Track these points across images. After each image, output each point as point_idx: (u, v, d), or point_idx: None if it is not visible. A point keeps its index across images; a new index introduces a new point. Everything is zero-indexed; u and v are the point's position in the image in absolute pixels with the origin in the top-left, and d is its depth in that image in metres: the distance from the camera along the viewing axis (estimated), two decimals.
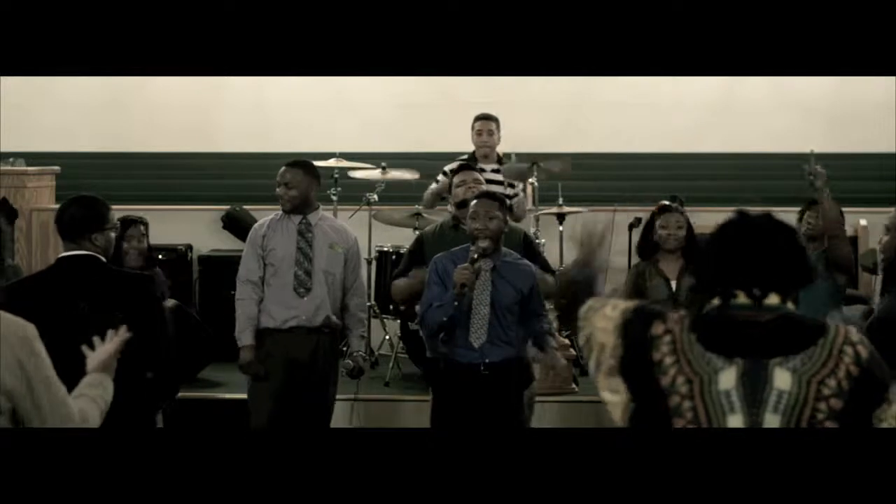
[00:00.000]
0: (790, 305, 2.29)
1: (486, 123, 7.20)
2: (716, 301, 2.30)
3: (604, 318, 2.40)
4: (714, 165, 8.69)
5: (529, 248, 5.30)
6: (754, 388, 2.19)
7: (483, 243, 4.59)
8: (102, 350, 2.97)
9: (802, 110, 8.63)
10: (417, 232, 7.13)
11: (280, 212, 5.29)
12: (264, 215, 5.41)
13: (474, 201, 4.78)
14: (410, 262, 5.26)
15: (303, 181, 5.22)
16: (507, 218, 4.87)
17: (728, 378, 2.20)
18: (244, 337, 5.15)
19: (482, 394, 4.67)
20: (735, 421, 2.19)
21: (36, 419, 2.65)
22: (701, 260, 2.39)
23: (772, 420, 2.18)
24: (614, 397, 2.34)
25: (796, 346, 2.21)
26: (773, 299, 2.27)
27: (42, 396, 2.65)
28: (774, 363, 2.20)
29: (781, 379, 2.19)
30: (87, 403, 2.82)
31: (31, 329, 2.68)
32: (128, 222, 5.38)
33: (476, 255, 4.57)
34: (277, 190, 5.24)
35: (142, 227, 5.47)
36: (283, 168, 5.29)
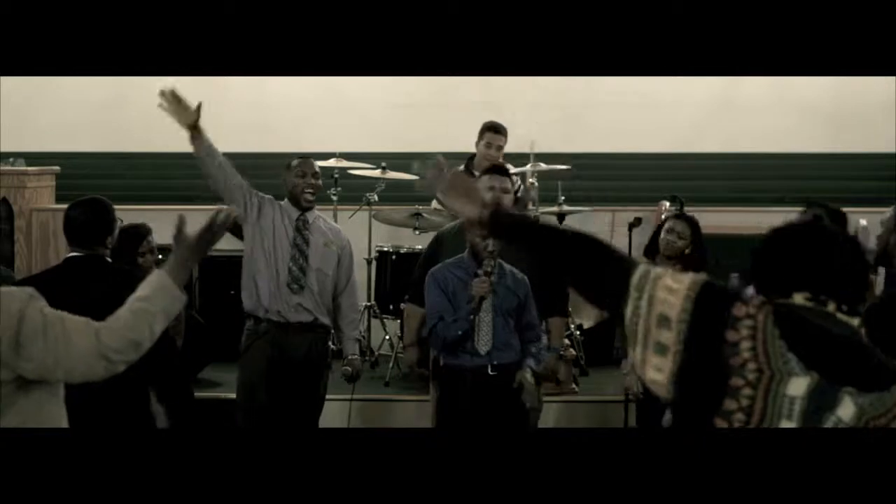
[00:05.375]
0: (857, 321, 2.27)
1: (497, 137, 6.97)
2: (799, 300, 2.24)
3: (667, 289, 2.27)
4: (714, 165, 8.69)
5: None
6: (819, 407, 2.15)
7: (492, 263, 4.67)
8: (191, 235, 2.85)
9: (802, 110, 8.63)
10: (417, 232, 7.15)
11: (282, 203, 5.30)
12: None
13: None
14: (428, 262, 5.23)
15: (319, 175, 5.31)
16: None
17: (799, 386, 2.15)
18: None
19: (489, 394, 4.69)
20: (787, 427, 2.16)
21: (55, 370, 2.67)
22: (790, 256, 2.29)
23: None
24: (659, 376, 2.25)
25: (872, 385, 2.16)
26: (853, 315, 2.25)
27: (44, 349, 2.66)
28: (846, 391, 2.15)
29: (846, 409, 2.15)
30: (121, 315, 2.77)
31: (21, 294, 2.71)
32: (140, 234, 5.28)
33: (489, 269, 4.65)
34: (300, 181, 5.22)
35: (150, 238, 5.41)
36: (304, 159, 5.29)
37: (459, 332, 4.68)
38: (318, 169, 5.30)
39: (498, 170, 5.37)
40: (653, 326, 2.27)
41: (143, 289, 2.82)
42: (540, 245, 2.47)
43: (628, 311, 2.31)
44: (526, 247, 2.52)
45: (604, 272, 2.37)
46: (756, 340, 2.18)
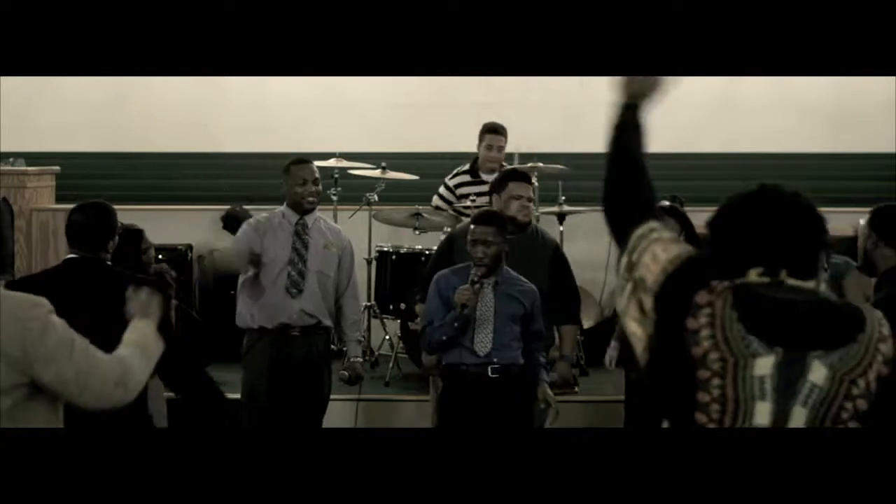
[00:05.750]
0: (822, 285, 2.25)
1: (496, 139, 6.96)
2: (753, 276, 2.22)
3: (653, 257, 2.29)
4: (714, 165, 8.69)
5: (559, 262, 5.30)
6: (789, 379, 2.16)
7: (481, 271, 4.64)
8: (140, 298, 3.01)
9: (802, 110, 8.63)
10: (417, 232, 7.15)
11: (277, 211, 5.27)
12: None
13: (472, 226, 4.79)
14: (440, 261, 5.21)
15: (319, 179, 5.27)
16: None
17: (765, 364, 2.16)
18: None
19: (490, 395, 4.68)
20: (763, 408, 2.16)
21: (69, 383, 2.69)
22: (735, 233, 2.28)
23: (799, 413, 2.16)
24: (639, 330, 2.28)
25: (837, 341, 2.17)
26: (810, 276, 2.23)
27: (67, 356, 2.68)
28: (814, 356, 2.16)
29: (818, 373, 2.16)
30: (128, 350, 2.84)
31: (36, 300, 2.73)
32: (138, 232, 5.29)
33: (476, 278, 4.63)
34: (301, 189, 5.19)
35: (146, 236, 5.40)
36: (303, 164, 5.24)
37: (443, 338, 4.67)
38: (317, 174, 5.26)
39: (521, 177, 5.34)
40: (638, 285, 2.30)
41: (139, 331, 2.93)
42: (614, 144, 2.67)
43: (624, 259, 2.36)
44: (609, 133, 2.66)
45: (626, 207, 2.44)
46: (715, 328, 2.18)
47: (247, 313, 5.18)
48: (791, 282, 2.22)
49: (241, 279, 5.26)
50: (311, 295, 5.15)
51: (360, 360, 5.40)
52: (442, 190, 7.14)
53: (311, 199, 5.20)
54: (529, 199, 5.27)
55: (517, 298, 4.76)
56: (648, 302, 2.26)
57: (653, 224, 2.37)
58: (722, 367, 2.17)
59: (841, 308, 2.24)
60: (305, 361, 5.16)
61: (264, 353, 5.15)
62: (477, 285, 4.64)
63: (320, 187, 5.27)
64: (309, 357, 5.17)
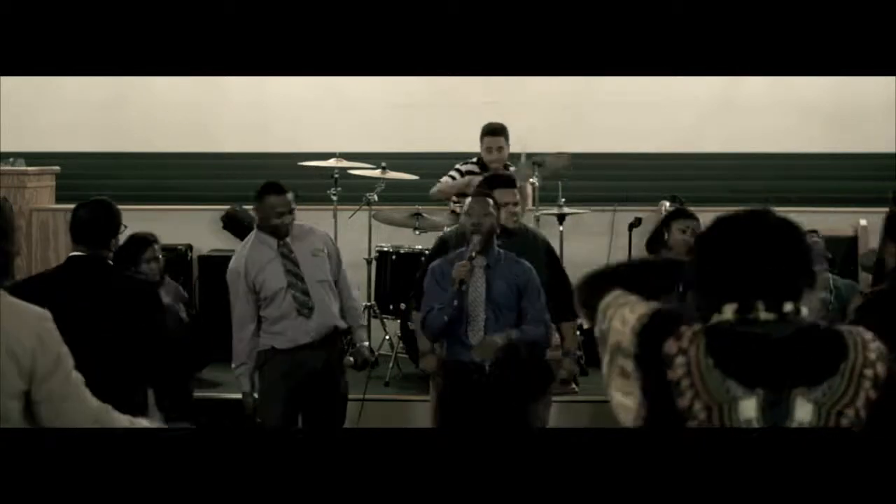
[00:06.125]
0: (804, 311, 2.17)
1: (495, 140, 6.95)
2: (728, 314, 2.17)
3: (621, 320, 2.27)
4: (714, 165, 8.70)
5: (552, 260, 5.29)
6: (775, 421, 2.11)
7: (476, 238, 4.62)
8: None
9: (802, 110, 8.64)
10: (417, 232, 7.15)
11: (253, 239, 5.18)
12: None
13: (469, 199, 4.80)
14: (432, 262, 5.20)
15: (294, 207, 5.16)
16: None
17: (749, 407, 2.11)
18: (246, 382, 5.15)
19: (486, 390, 4.66)
20: None
21: (53, 403, 2.68)
22: (709, 266, 2.22)
23: None
24: (626, 400, 2.24)
25: (819, 375, 2.11)
26: (788, 307, 2.16)
27: (62, 377, 2.68)
28: (797, 393, 2.10)
29: (803, 410, 2.10)
30: (116, 413, 2.84)
31: (47, 314, 2.73)
32: (147, 241, 5.26)
33: (473, 253, 4.60)
34: (280, 221, 5.06)
35: (155, 247, 5.36)
36: (279, 195, 5.08)
37: (445, 319, 4.63)
38: (294, 205, 5.13)
39: (505, 182, 5.31)
40: (614, 352, 2.28)
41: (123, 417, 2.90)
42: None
43: (596, 330, 2.36)
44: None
45: (597, 293, 2.40)
46: (693, 377, 2.14)
47: (270, 337, 5.12)
48: (765, 316, 2.15)
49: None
50: (321, 308, 5.08)
51: (367, 343, 5.37)
52: (452, 173, 7.14)
53: (289, 226, 5.11)
54: (515, 204, 5.25)
55: (508, 280, 4.71)
56: (629, 365, 2.23)
57: (618, 291, 2.35)
58: (707, 417, 2.13)
59: (821, 337, 2.16)
60: (324, 368, 5.11)
61: (279, 365, 5.08)
62: (475, 260, 4.60)
63: (295, 213, 5.16)
64: (328, 366, 5.13)
